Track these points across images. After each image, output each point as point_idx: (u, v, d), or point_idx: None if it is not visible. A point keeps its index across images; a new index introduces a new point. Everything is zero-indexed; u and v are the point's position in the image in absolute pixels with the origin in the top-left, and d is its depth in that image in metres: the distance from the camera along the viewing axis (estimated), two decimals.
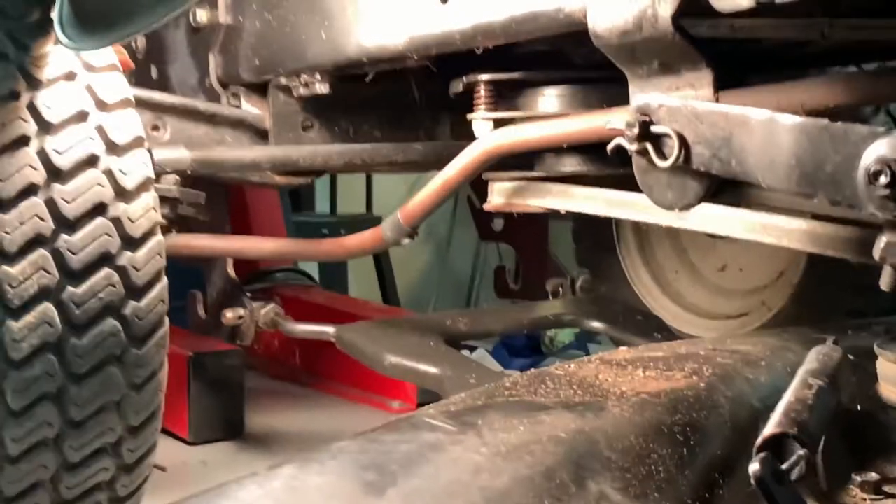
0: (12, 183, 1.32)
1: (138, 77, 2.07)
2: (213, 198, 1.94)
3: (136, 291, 1.42)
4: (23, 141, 1.34)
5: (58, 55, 1.41)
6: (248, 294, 2.03)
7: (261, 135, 1.86)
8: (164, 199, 1.65)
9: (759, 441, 0.82)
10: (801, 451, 0.81)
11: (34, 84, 1.37)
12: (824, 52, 1.54)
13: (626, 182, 1.32)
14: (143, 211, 1.43)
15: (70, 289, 1.36)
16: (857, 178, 0.90)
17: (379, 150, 1.85)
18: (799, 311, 2.01)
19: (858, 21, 1.21)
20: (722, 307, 2.27)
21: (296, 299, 2.78)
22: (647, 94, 1.14)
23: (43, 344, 1.34)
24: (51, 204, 1.35)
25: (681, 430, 0.90)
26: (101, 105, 1.42)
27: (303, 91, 1.75)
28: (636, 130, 1.12)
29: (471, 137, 1.58)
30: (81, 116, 1.39)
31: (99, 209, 1.38)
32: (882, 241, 0.94)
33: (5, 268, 1.32)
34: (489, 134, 1.54)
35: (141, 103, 1.71)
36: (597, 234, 2.46)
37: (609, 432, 0.85)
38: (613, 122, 1.24)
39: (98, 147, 1.40)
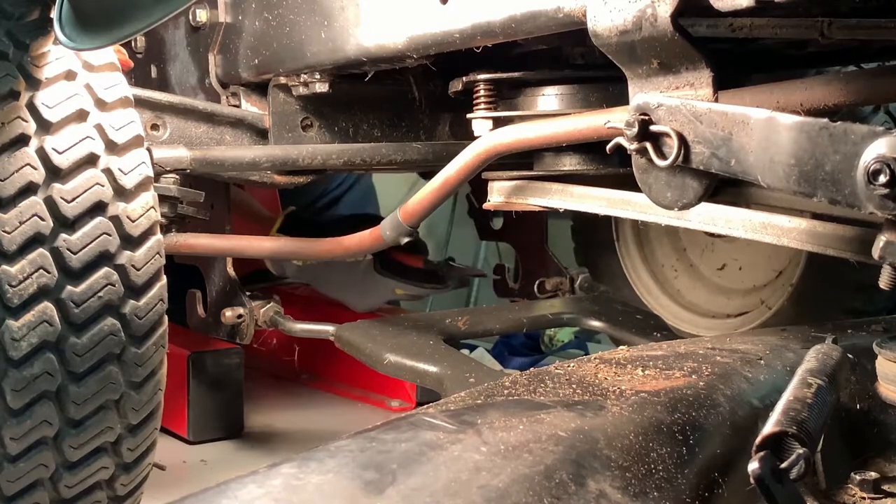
0: (12, 182, 1.33)
1: (138, 76, 2.07)
2: (213, 197, 1.94)
3: (135, 290, 1.42)
4: (22, 140, 1.34)
5: (57, 54, 1.41)
6: (247, 293, 2.02)
7: (260, 134, 1.86)
8: (163, 198, 1.65)
9: (758, 440, 0.82)
10: (801, 450, 0.81)
11: (34, 83, 1.37)
12: (824, 52, 1.54)
13: (626, 181, 1.32)
14: (143, 210, 1.43)
15: (69, 287, 1.36)
16: (856, 178, 0.90)
17: (379, 149, 1.85)
18: (798, 309, 2.01)
19: (858, 21, 1.21)
20: (721, 306, 2.27)
21: (295, 298, 2.78)
22: (646, 93, 1.14)
23: (42, 343, 1.34)
24: (50, 203, 1.35)
25: (680, 428, 0.90)
26: (101, 104, 1.42)
27: (302, 90, 1.75)
28: (635, 130, 1.12)
29: (470, 137, 1.59)
30: (81, 116, 1.40)
31: (98, 208, 1.39)
32: (881, 240, 0.94)
33: (5, 266, 1.32)
34: (489, 133, 1.54)
35: (140, 102, 1.71)
36: (596, 233, 2.46)
37: (608, 431, 0.85)
38: (613, 121, 1.24)
39: (97, 146, 1.40)
